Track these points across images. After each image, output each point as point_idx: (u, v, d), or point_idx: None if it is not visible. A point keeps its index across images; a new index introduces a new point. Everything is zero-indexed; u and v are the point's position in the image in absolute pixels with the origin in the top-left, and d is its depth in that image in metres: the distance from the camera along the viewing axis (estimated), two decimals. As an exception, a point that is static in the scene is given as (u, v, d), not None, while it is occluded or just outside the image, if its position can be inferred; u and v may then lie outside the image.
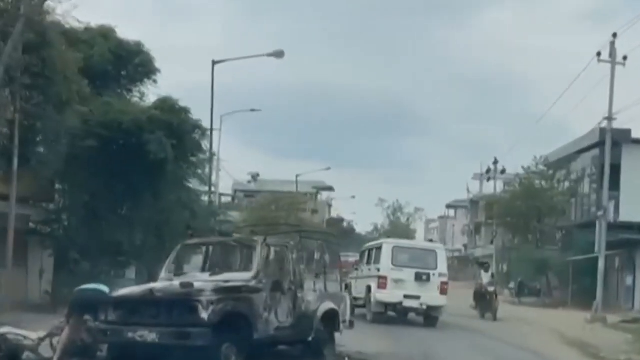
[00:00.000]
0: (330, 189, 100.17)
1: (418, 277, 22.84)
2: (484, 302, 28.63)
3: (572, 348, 20.22)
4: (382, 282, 22.68)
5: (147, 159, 26.69)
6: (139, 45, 28.98)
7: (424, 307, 22.86)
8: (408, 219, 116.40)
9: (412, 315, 24.17)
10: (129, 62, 29.29)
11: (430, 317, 23.22)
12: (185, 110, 27.43)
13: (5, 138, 20.60)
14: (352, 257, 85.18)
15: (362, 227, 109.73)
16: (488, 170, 60.78)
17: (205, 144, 28.86)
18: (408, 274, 22.83)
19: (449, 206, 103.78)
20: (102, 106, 26.27)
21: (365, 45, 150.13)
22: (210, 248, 13.73)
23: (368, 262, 25.25)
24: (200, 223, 36.70)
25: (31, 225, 28.52)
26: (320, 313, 14.06)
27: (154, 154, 25.78)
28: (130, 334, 11.25)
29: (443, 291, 22.96)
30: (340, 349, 15.14)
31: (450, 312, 25.29)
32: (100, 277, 21.88)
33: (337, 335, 14.90)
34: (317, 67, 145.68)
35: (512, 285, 46.74)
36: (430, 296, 22.79)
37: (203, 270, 13.07)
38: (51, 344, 12.19)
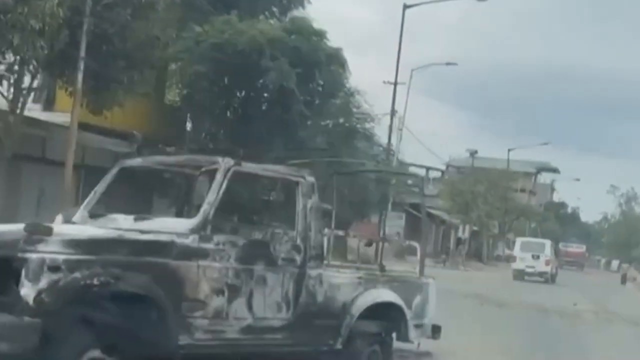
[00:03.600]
0: (555, 170, 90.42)
1: (533, 257, 38.90)
2: None
3: None
4: (514, 259, 40.68)
5: (268, 92, 21.62)
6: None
7: (537, 272, 38.73)
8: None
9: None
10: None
11: (543, 277, 38.79)
12: (320, 34, 21.79)
13: (56, 42, 15.84)
14: (576, 247, 76.20)
15: (588, 215, 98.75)
16: None
17: (346, 76, 22.92)
18: (528, 255, 39.12)
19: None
20: (220, 25, 21.41)
21: (609, 24, 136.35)
22: (160, 176, 8.11)
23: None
24: (366, 191, 31.44)
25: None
26: (359, 307, 7.96)
27: (272, 85, 20.55)
28: None
29: (547, 264, 39.08)
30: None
31: None
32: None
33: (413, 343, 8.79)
34: (549, 45, 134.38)
35: None
36: (540, 266, 38.89)
37: (133, 210, 7.44)
38: None
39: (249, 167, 7.29)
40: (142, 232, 6.66)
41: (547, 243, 41.01)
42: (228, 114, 22.67)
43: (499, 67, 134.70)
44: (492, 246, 63.90)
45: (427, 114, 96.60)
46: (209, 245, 6.72)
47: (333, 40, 22.48)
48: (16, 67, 16.45)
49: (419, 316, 8.86)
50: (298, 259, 7.43)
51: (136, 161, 8.23)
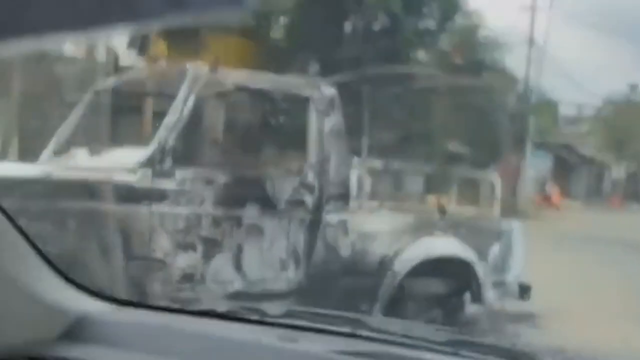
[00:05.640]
0: None
1: None
2: None
3: None
4: None
5: (373, 22, 19.50)
6: None
7: None
8: None
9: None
10: None
11: None
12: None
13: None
14: None
15: None
16: None
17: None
18: None
19: None
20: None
21: None
22: (137, 97, 6.38)
23: None
24: (497, 129, 28.75)
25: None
26: (405, 263, 5.98)
27: (372, 10, 18.44)
28: None
29: None
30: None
31: None
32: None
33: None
34: None
35: None
36: None
37: (112, 142, 5.77)
38: None
39: (229, 75, 5.41)
40: (87, 169, 5.02)
41: None
42: (335, 53, 20.69)
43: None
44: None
45: (574, 43, 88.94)
46: (168, 184, 4.95)
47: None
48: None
49: (498, 271, 6.77)
50: (310, 200, 5.54)
51: (110, 82, 6.58)
